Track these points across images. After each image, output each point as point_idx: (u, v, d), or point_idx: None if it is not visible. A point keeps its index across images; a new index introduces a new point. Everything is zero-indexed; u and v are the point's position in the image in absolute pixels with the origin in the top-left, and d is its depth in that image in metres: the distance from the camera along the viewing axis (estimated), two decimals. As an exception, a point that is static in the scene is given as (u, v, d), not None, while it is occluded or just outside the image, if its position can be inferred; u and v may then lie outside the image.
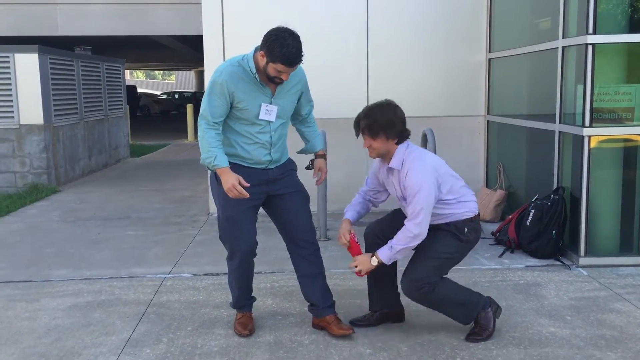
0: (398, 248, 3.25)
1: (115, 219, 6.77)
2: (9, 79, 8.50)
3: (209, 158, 3.21)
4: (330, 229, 5.97)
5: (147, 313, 3.92)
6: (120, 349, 3.39)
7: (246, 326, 3.57)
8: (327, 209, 5.72)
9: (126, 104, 13.02)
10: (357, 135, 3.37)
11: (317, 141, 3.68)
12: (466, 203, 3.37)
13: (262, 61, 3.19)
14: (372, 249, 3.44)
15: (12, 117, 8.57)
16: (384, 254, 3.29)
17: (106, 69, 11.56)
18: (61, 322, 3.79)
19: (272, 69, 3.17)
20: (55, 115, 9.00)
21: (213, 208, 6.82)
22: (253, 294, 3.72)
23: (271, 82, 3.26)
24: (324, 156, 3.70)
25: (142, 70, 56.91)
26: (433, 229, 3.33)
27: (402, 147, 3.31)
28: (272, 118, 3.31)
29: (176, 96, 35.60)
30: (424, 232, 3.23)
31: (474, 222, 3.38)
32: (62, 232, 6.16)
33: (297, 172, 3.58)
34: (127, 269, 4.88)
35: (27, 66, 8.50)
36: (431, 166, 3.26)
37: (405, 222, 3.25)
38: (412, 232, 3.21)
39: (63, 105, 9.37)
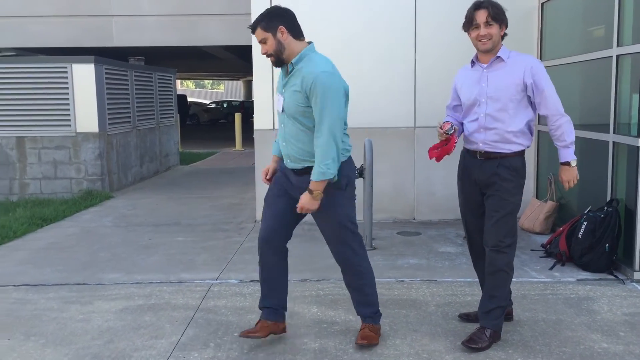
0: (572, 139, 3.48)
1: (165, 225, 6.93)
2: (67, 88, 8.83)
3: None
4: (376, 238, 5.95)
5: (195, 318, 4.00)
6: (169, 353, 3.47)
7: (250, 331, 3.47)
8: (372, 218, 5.70)
9: (177, 112, 13.33)
10: (466, 28, 3.46)
11: (313, 170, 3.20)
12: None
13: (287, 37, 3.18)
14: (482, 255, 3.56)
15: (69, 125, 8.90)
16: (570, 155, 3.50)
17: (158, 78, 11.88)
18: (113, 325, 3.91)
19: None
20: (109, 124, 9.30)
21: (259, 215, 6.90)
22: (285, 307, 3.57)
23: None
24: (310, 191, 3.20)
25: (192, 80, 58.12)
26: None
27: (505, 48, 3.45)
28: (279, 108, 3.35)
29: (225, 105, 36.18)
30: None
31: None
32: (114, 237, 6.35)
33: (336, 191, 3.25)
34: (176, 274, 4.99)
35: (83, 76, 8.82)
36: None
37: (551, 115, 3.53)
38: (566, 117, 3.48)
39: (117, 114, 9.67)
